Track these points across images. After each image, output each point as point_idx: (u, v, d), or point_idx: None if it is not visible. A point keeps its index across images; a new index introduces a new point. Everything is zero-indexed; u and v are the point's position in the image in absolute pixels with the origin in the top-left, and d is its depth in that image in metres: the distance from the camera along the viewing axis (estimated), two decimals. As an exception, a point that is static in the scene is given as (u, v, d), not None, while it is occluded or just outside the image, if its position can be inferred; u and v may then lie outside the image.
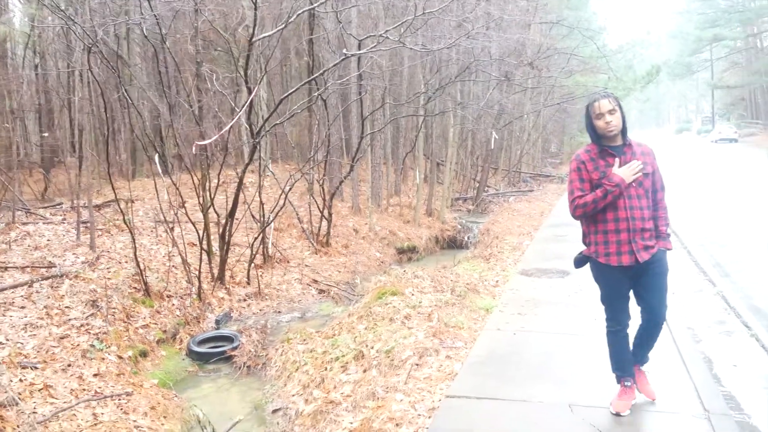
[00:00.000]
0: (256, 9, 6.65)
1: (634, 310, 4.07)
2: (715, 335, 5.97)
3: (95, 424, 4.81)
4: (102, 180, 14.59)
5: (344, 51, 8.06)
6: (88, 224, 10.20)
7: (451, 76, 13.39)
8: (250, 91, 7.23)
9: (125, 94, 7.61)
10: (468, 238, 15.45)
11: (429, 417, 4.38)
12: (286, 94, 8.65)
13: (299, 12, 7.69)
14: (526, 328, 6.07)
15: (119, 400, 5.31)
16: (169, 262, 9.19)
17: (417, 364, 5.40)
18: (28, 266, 8.07)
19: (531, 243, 11.27)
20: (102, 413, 5.03)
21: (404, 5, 12.06)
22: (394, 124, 16.46)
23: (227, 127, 7.14)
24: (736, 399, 4.54)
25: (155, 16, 7.37)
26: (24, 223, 10.46)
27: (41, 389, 5.17)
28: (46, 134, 16.27)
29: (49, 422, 4.67)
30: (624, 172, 3.76)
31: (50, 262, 8.31)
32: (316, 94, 9.10)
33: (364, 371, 5.67)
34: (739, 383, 4.80)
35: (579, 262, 4.11)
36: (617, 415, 4.04)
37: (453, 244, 15.34)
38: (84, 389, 5.43)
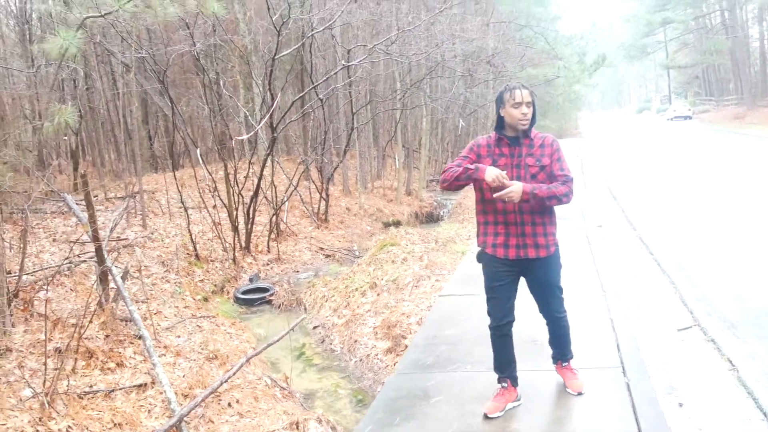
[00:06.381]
0: (279, 36, 8.88)
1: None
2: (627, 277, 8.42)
3: (201, 330, 7.11)
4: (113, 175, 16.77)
5: (342, 62, 10.31)
6: (129, 210, 12.42)
7: (421, 75, 15.74)
8: (273, 98, 9.47)
9: (172, 103, 9.78)
10: (443, 212, 17.87)
11: (428, 310, 6.74)
12: (298, 96, 10.91)
13: (312, 33, 9.88)
14: (490, 261, 8.46)
15: (210, 319, 7.59)
16: (204, 236, 11.45)
17: (416, 286, 7.78)
18: (102, 240, 10.24)
19: (495, 210, 13.71)
20: (202, 325, 7.32)
21: (378, 17, 14.34)
22: (375, 118, 18.78)
23: (260, 125, 9.40)
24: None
25: (194, 43, 9.55)
26: (76, 213, 12.56)
27: (155, 314, 7.41)
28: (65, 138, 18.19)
29: (171, 329, 6.93)
30: (491, 171, 3.59)
31: (119, 237, 10.49)
32: (319, 96, 11.29)
33: (378, 295, 8.01)
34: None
35: (479, 257, 4.00)
36: (485, 416, 3.88)
37: (430, 218, 17.73)
38: (182, 314, 7.71)
